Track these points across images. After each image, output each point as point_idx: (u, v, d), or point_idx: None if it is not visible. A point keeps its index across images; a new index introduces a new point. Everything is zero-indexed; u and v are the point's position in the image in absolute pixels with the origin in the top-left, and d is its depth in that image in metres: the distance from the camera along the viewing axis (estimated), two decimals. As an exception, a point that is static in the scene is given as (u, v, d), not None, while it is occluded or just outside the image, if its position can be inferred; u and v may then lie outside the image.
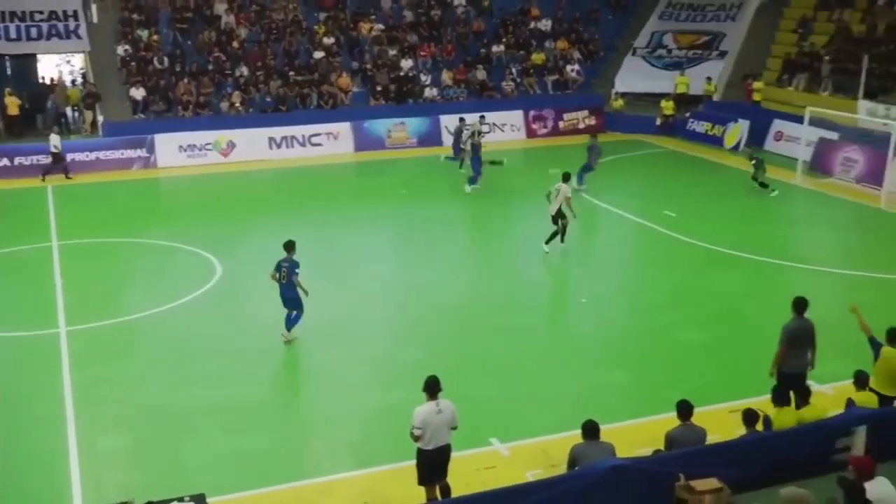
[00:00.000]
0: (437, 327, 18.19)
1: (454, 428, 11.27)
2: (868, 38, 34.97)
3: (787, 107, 34.63)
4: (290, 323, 16.82)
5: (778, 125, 33.59)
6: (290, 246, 16.77)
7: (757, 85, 36.16)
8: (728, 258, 21.61)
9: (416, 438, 11.09)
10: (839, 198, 26.67)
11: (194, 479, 11.64)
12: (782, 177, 28.58)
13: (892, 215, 25.65)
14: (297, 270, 16.53)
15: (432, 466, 11.23)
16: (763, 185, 27.23)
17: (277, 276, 16.65)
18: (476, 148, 28.10)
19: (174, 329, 18.03)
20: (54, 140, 30.38)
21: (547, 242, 21.95)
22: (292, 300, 16.67)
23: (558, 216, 21.86)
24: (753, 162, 27.60)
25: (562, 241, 22.06)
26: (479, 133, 29.57)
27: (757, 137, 33.60)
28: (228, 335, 17.62)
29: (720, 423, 12.57)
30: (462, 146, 29.84)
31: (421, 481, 11.35)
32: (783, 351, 13.03)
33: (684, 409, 11.22)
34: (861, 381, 12.30)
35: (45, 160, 30.76)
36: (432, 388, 11.23)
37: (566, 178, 22.34)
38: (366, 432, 13.95)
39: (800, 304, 13.28)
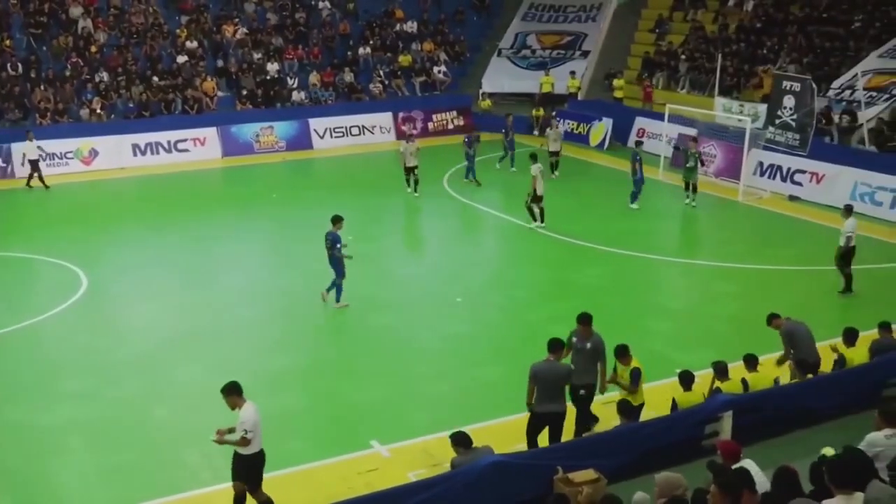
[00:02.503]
0: (308, 331, 18.15)
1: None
2: (721, 37, 36.50)
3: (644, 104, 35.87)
4: (337, 292, 18.67)
5: (640, 122, 34.68)
6: (336, 220, 18.63)
7: (617, 83, 37.22)
8: (593, 253, 22.25)
9: (248, 443, 10.77)
10: (700, 192, 27.68)
11: (64, 499, 11.30)
12: (646, 173, 29.46)
13: (748, 207, 26.82)
14: (338, 245, 18.42)
15: (261, 467, 11.13)
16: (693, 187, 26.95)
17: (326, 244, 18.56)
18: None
19: (38, 345, 17.43)
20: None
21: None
22: (334, 266, 18.52)
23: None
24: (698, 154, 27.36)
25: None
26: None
27: (621, 135, 34.60)
28: (95, 348, 17.14)
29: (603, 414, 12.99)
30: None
31: (259, 484, 11.19)
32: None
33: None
34: (720, 370, 12.83)
35: None
36: (238, 388, 10.94)
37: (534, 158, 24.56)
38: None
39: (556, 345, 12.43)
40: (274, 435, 13.78)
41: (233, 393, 10.84)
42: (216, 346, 17.20)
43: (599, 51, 41.01)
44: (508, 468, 10.35)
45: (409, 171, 27.64)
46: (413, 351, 17.12)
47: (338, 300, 18.82)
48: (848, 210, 19.35)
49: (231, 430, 10.84)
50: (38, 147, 30.27)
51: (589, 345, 12.68)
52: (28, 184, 29.81)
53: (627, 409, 11.86)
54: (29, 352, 17.10)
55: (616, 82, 37.29)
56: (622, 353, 12.60)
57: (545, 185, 24.25)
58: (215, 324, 18.26)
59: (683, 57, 36.76)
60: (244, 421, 10.69)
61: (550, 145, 30.35)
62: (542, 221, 24.12)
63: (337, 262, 18.51)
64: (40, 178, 29.88)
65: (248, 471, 11.02)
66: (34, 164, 29.88)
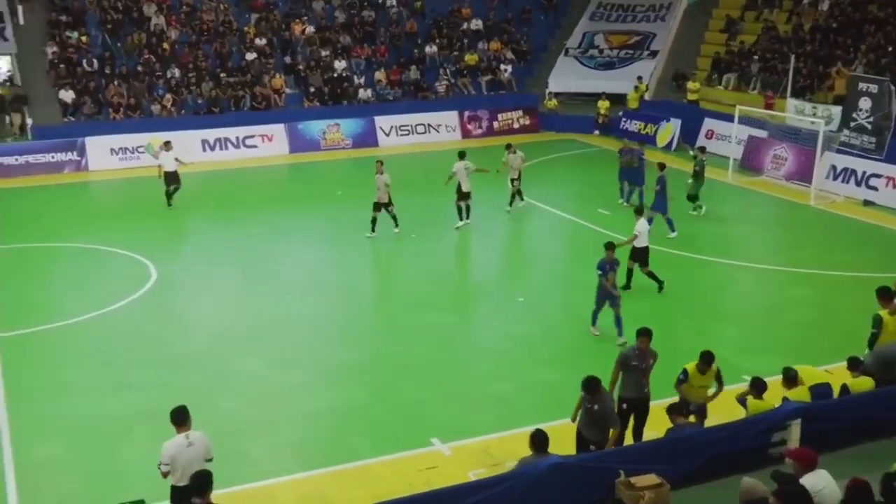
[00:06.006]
0: (368, 328, 18.22)
1: (209, 459, 10.16)
2: (794, 37, 35.81)
3: (716, 105, 35.29)
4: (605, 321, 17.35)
5: (709, 124, 34.19)
6: (608, 246, 17.08)
7: (692, 85, 36.60)
8: (659, 255, 21.90)
9: (165, 475, 10.03)
10: (770, 195, 27.21)
11: (132, 486, 11.47)
12: (714, 175, 29.04)
13: (820, 212, 26.29)
14: (599, 271, 16.93)
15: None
16: (693, 198, 25.63)
17: None
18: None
19: (107, 335, 17.74)
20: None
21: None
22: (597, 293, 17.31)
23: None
24: (697, 167, 25.71)
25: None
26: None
27: (689, 136, 34.16)
28: (162, 339, 17.42)
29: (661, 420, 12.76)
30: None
31: None
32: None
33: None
34: (789, 378, 12.53)
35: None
36: (180, 418, 10.14)
37: (462, 156, 24.52)
38: (305, 435, 13.92)
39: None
40: (335, 430, 13.96)
41: (171, 419, 10.18)
42: (279, 340, 17.36)
43: (668, 51, 40.52)
44: (570, 470, 10.23)
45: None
46: (473, 350, 17.11)
47: (595, 324, 17.42)
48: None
49: None
50: (177, 159, 26.74)
51: (652, 362, 12.62)
52: (169, 203, 26.59)
53: (678, 408, 11.64)
54: (98, 341, 17.42)
55: (690, 84, 36.61)
56: (706, 360, 12.45)
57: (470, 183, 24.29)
58: (278, 318, 18.43)
59: (755, 57, 36.13)
60: (162, 452, 10.02)
61: (511, 172, 26.00)
62: (465, 219, 24.51)
63: (599, 289, 17.09)
64: (170, 193, 26.54)
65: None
66: (170, 178, 26.57)
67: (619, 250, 17.42)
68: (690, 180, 25.61)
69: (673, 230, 23.21)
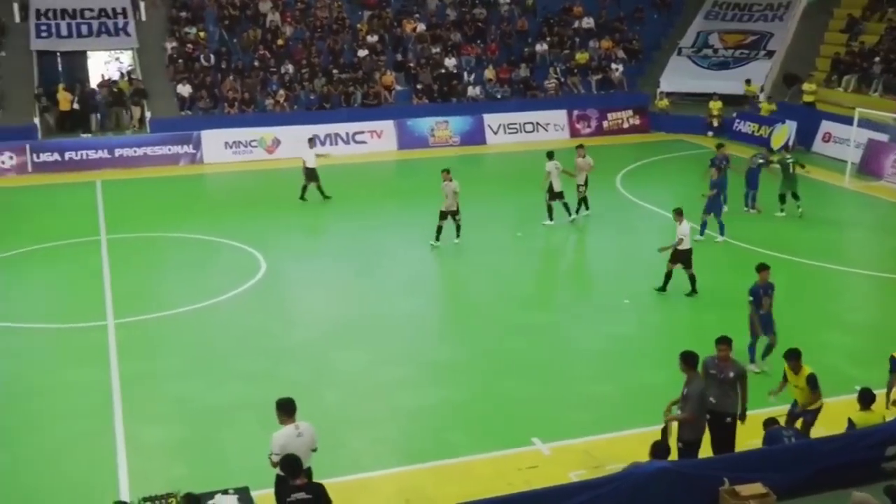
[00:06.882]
0: (470, 325, 18.22)
1: (314, 450, 10.52)
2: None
3: (835, 108, 34.17)
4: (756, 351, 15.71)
5: (826, 126, 33.14)
6: (760, 268, 15.60)
7: (808, 87, 35.48)
8: (768, 260, 21.29)
9: (275, 465, 10.12)
10: (890, 201, 26.21)
11: (236, 473, 11.74)
12: (830, 179, 28.22)
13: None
14: (751, 298, 15.42)
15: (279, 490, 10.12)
16: (784, 197, 24.89)
17: None
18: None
19: (218, 324, 18.23)
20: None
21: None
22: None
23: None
24: (791, 159, 25.04)
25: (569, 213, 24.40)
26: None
27: (805, 139, 33.19)
28: (268, 331, 17.78)
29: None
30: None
31: None
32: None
33: None
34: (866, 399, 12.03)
35: (95, 155, 31.39)
36: (289, 408, 10.37)
37: (550, 155, 24.27)
38: (405, 429, 14.01)
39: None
40: (435, 425, 14.01)
41: (279, 409, 10.42)
42: (382, 334, 17.53)
43: (785, 51, 39.40)
44: (675, 476, 10.08)
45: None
46: (576, 350, 16.95)
47: (753, 359, 15.56)
48: None
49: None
50: (319, 155, 27.69)
51: (732, 374, 11.94)
52: (302, 196, 27.18)
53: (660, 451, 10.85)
54: (207, 330, 17.91)
55: (806, 86, 35.45)
56: (794, 357, 12.15)
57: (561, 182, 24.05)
58: (382, 313, 18.61)
59: (878, 59, 34.85)
60: (272, 443, 10.25)
61: (579, 177, 24.91)
62: (573, 214, 24.57)
63: (753, 318, 15.51)
64: (319, 188, 27.18)
65: (276, 493, 10.30)
66: (310, 174, 27.20)
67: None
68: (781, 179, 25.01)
69: (722, 234, 22.80)
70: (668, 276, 19.28)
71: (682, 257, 19.13)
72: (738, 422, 11.96)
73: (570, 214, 24.39)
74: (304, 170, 27.19)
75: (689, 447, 11.47)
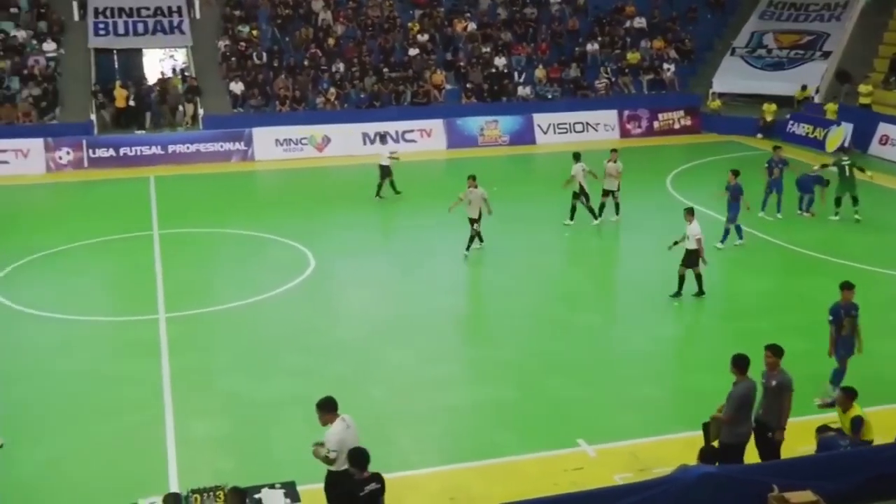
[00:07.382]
0: (516, 325, 18.14)
1: None
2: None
3: (893, 110, 33.51)
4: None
5: (884, 129, 32.51)
6: (845, 286, 14.72)
7: (864, 88, 34.83)
8: (823, 264, 21.03)
9: (332, 462, 10.22)
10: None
11: (283, 468, 11.82)
12: (888, 183, 27.68)
13: None
14: (831, 317, 14.53)
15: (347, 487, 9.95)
16: (839, 201, 24.47)
17: None
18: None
19: (267, 320, 18.36)
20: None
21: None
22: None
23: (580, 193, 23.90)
24: (847, 161, 24.42)
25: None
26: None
27: (861, 141, 32.60)
28: (316, 328, 17.90)
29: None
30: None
31: None
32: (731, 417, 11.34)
33: None
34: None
35: (149, 151, 31.87)
36: (331, 405, 10.42)
37: (577, 157, 24.11)
38: (451, 428, 14.03)
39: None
40: (480, 424, 14.01)
41: (322, 409, 10.48)
42: (428, 333, 17.56)
43: (842, 52, 38.73)
44: (723, 481, 9.96)
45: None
46: (623, 351, 16.81)
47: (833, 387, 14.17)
48: None
49: (321, 444, 10.41)
50: (391, 154, 27.80)
51: (774, 383, 11.53)
52: (378, 194, 27.31)
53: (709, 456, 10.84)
54: (255, 326, 18.05)
55: (862, 87, 34.81)
56: (846, 396, 11.57)
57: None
58: (429, 311, 18.66)
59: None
60: (328, 440, 10.31)
61: (606, 182, 24.47)
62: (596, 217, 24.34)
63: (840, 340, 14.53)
64: (392, 184, 27.43)
65: (329, 488, 10.53)
66: (384, 171, 27.37)
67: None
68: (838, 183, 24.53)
69: (741, 237, 22.48)
70: (682, 279, 18.95)
71: (688, 257, 18.90)
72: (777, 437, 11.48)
73: (595, 218, 24.28)
74: (378, 167, 27.35)
75: (728, 450, 11.24)
